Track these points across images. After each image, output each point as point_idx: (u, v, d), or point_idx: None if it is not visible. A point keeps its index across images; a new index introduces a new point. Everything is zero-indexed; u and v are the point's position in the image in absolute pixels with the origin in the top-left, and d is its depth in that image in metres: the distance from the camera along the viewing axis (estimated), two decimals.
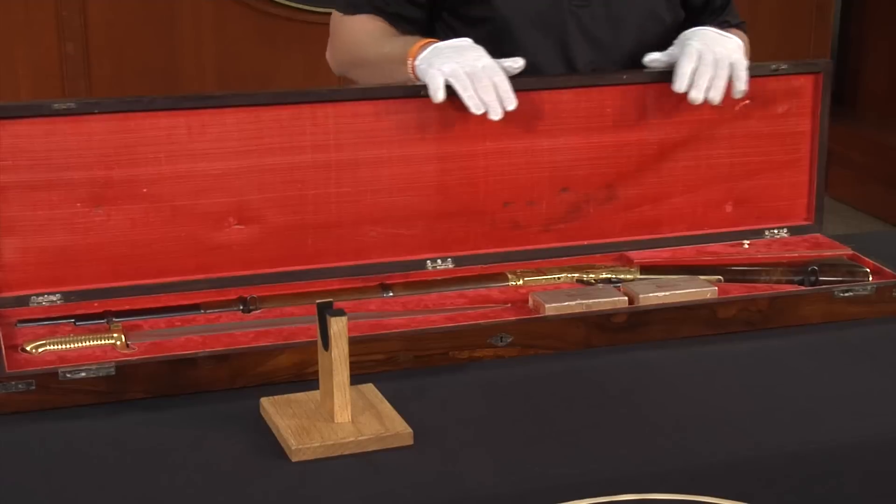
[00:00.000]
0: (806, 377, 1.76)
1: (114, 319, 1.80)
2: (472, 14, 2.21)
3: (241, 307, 1.86)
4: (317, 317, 1.57)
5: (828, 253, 2.09)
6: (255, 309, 1.86)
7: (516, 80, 2.04)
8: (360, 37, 2.20)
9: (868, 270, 2.00)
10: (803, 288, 1.96)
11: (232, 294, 1.89)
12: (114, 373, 1.64)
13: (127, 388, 1.65)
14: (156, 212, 1.89)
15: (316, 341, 1.58)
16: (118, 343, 1.74)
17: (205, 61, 4.45)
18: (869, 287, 1.94)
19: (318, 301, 1.58)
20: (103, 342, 1.74)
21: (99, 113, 1.84)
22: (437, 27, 2.28)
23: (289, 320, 1.83)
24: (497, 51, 2.18)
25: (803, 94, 2.14)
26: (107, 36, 4.37)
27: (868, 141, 5.20)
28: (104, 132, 1.85)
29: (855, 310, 1.93)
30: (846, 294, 1.93)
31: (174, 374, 1.67)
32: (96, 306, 1.85)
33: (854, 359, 1.82)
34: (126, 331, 1.77)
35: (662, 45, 2.27)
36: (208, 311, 1.85)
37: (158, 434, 1.58)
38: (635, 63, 2.17)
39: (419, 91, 1.97)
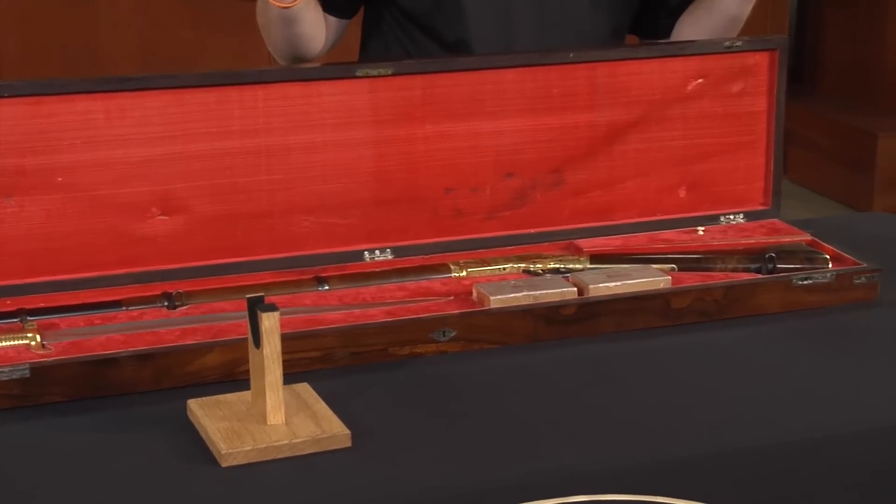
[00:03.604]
0: (764, 368, 1.76)
1: (28, 318, 1.77)
2: None
3: (166, 303, 1.84)
4: (247, 312, 1.55)
5: (786, 239, 2.09)
6: (181, 305, 1.84)
7: (457, 60, 2.03)
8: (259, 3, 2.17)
9: (827, 257, 2.00)
10: (760, 276, 1.96)
11: (156, 289, 1.87)
12: (28, 375, 1.62)
13: (43, 390, 1.63)
14: (73, 202, 1.86)
15: (246, 339, 1.57)
16: (33, 343, 1.71)
17: (125, 41, 4.46)
18: (828, 274, 1.94)
19: (248, 296, 1.57)
20: (17, 342, 1.71)
21: (9, 96, 1.80)
22: None
23: (217, 317, 1.81)
24: (442, 16, 2.21)
25: (759, 71, 2.14)
26: (15, 12, 4.31)
27: (828, 120, 5.18)
28: (15, 117, 1.81)
29: (814, 298, 1.94)
30: (805, 282, 1.93)
31: (94, 375, 1.65)
32: (9, 304, 1.81)
33: (813, 349, 1.82)
34: (42, 330, 1.74)
35: (616, 32, 2.32)
36: (130, 308, 1.83)
37: (78, 440, 1.56)
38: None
39: (354, 71, 1.94)
